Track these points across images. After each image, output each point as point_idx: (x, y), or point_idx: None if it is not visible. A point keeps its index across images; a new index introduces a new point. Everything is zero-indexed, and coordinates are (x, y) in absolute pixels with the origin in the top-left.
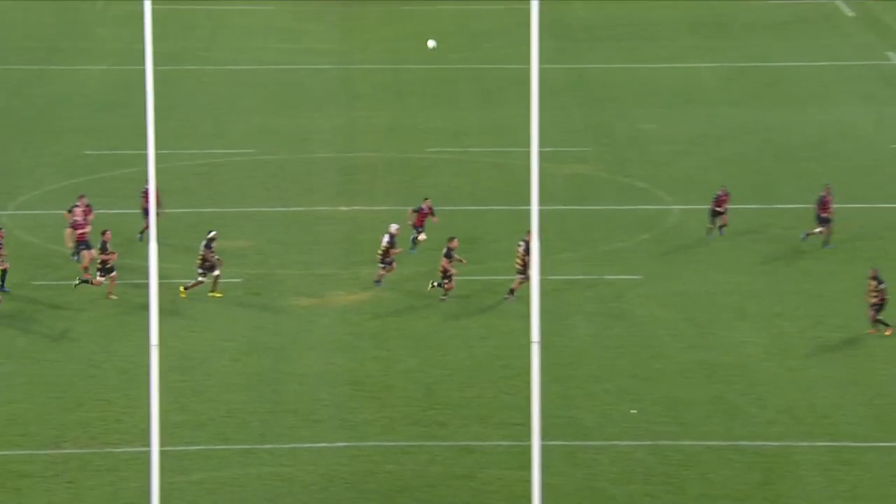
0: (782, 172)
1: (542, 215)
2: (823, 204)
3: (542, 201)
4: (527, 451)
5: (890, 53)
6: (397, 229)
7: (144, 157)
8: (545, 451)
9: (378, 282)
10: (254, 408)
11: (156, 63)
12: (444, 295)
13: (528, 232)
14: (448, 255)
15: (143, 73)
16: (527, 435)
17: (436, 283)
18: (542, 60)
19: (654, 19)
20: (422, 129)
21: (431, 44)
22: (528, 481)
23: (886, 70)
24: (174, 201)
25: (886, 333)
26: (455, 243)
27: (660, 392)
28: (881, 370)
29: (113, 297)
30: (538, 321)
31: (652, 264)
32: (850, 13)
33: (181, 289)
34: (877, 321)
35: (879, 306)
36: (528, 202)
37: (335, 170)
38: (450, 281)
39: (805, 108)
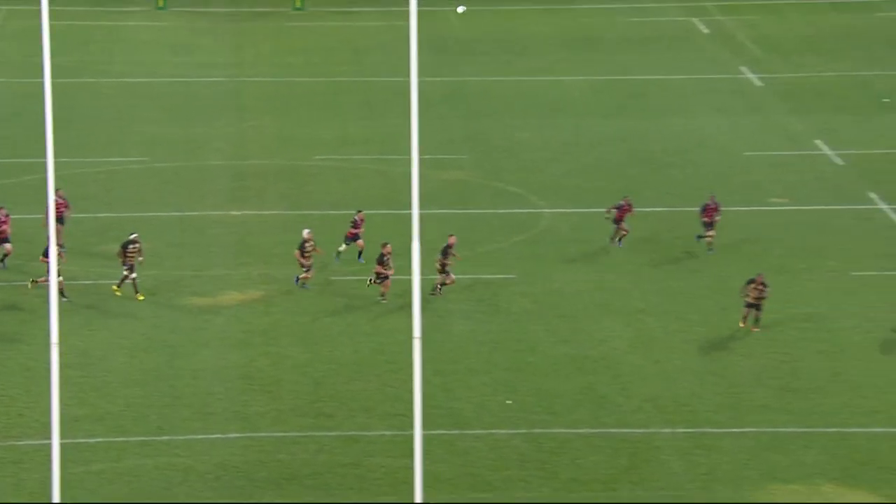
0: (645, 178)
1: (423, 219)
2: (707, 210)
3: (422, 206)
4: (409, 440)
5: (743, 68)
6: (309, 233)
7: (44, 165)
8: (426, 439)
9: (303, 285)
10: (151, 402)
11: (55, 76)
12: (382, 297)
13: (450, 235)
14: (381, 260)
15: (42, 85)
16: (409, 425)
17: (371, 280)
18: (420, 73)
19: (526, 35)
20: (309, 139)
21: (461, 9)
22: (411, 468)
23: (740, 83)
24: (73, 207)
25: (753, 329)
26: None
27: (533, 384)
28: (737, 362)
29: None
30: (419, 318)
31: (525, 264)
32: (706, 30)
33: (114, 287)
34: (746, 318)
35: (757, 305)
36: (409, 206)
37: (227, 176)
38: (382, 282)
39: (666, 118)
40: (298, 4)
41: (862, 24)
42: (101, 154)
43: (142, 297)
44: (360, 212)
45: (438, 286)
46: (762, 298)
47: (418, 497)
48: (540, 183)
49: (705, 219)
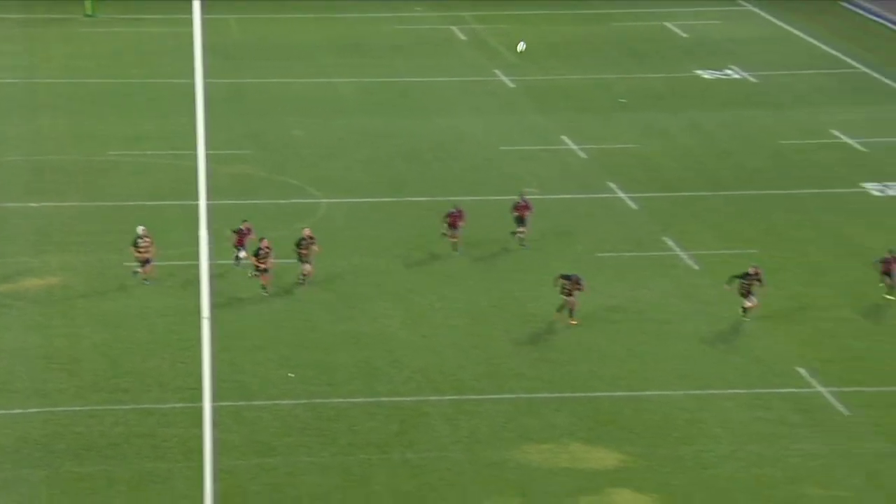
0: (411, 171)
1: (211, 209)
2: (518, 207)
3: (211, 197)
4: (200, 411)
5: (497, 71)
6: (144, 230)
7: None
8: (216, 411)
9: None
10: None
11: None
12: (264, 289)
13: (305, 229)
14: (256, 254)
15: None
16: (199, 397)
17: (251, 274)
18: (205, 76)
19: (300, 41)
20: (103, 135)
21: (521, 46)
22: (201, 437)
23: (494, 85)
24: None
25: (571, 322)
26: (265, 242)
27: (314, 358)
28: (497, 336)
29: None
30: (208, 299)
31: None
32: (464, 37)
33: None
34: (562, 310)
35: (570, 294)
36: (198, 198)
37: (25, 171)
38: (262, 275)
39: (430, 116)
40: (89, 11)
41: (600, 33)
42: None
43: None
44: (245, 221)
45: (301, 276)
46: (571, 291)
47: (208, 462)
48: (316, 176)
49: (516, 214)
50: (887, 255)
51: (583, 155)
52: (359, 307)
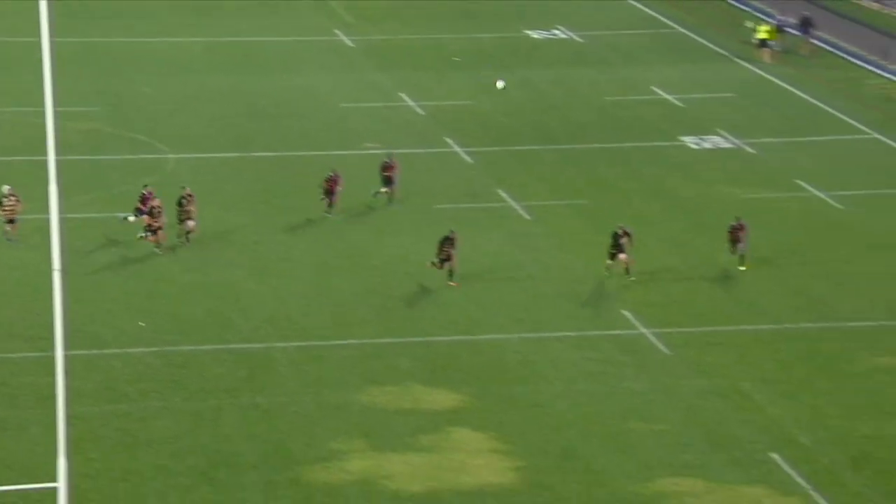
0: (259, 128)
1: (61, 164)
2: (386, 167)
3: (60, 153)
4: (52, 360)
5: (337, 31)
6: (10, 189)
7: None
8: (68, 359)
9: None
10: None
11: None
12: (157, 247)
13: (185, 187)
14: (150, 213)
15: None
16: (52, 347)
17: (141, 234)
18: (53, 35)
19: (145, 2)
20: None
21: (500, 84)
22: (54, 385)
23: (335, 45)
24: None
25: (452, 284)
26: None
27: (165, 308)
28: (342, 286)
29: None
30: (58, 252)
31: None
32: None
33: None
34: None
35: (448, 259)
36: (47, 153)
37: None
38: (154, 234)
39: (275, 75)
40: None
41: None
42: None
43: None
44: (146, 186)
45: (185, 235)
46: (449, 255)
47: (61, 409)
48: (164, 132)
49: (385, 174)
50: (734, 223)
51: (420, 111)
52: (208, 259)
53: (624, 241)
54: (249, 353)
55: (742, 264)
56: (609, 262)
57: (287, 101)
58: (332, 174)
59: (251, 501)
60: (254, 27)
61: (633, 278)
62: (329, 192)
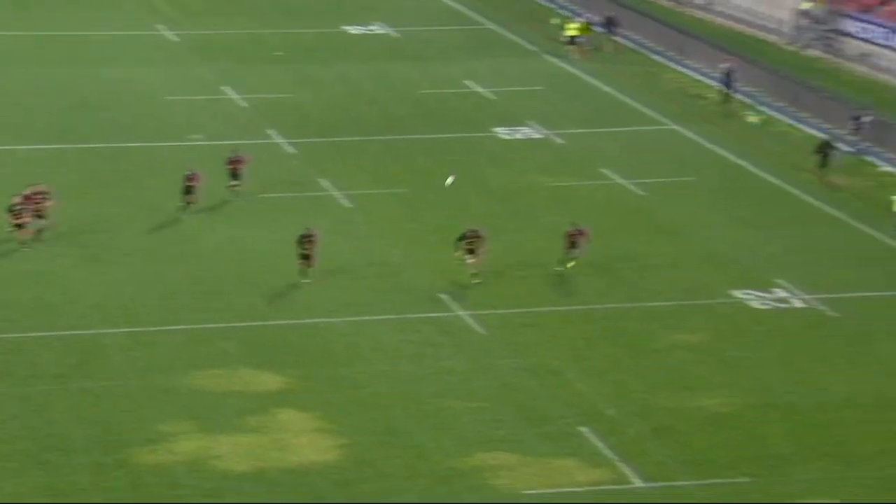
0: (83, 119)
1: None
2: (233, 161)
3: None
4: None
5: (159, 26)
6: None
7: None
8: None
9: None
10: None
11: None
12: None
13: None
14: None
15: None
16: None
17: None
18: None
19: None
20: None
21: (450, 180)
22: None
23: (158, 39)
24: None
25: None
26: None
27: None
28: (169, 273)
29: None
30: None
31: None
32: None
33: None
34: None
35: (308, 257)
36: None
37: None
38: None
39: (99, 68)
40: None
41: None
42: None
43: None
44: (36, 185)
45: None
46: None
47: None
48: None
49: (230, 167)
50: (571, 229)
51: (244, 104)
52: (33, 248)
53: (475, 242)
54: (79, 339)
55: (568, 263)
56: (467, 259)
57: (112, 93)
58: (190, 173)
59: (82, 484)
60: (79, 22)
61: (477, 281)
62: (189, 191)
